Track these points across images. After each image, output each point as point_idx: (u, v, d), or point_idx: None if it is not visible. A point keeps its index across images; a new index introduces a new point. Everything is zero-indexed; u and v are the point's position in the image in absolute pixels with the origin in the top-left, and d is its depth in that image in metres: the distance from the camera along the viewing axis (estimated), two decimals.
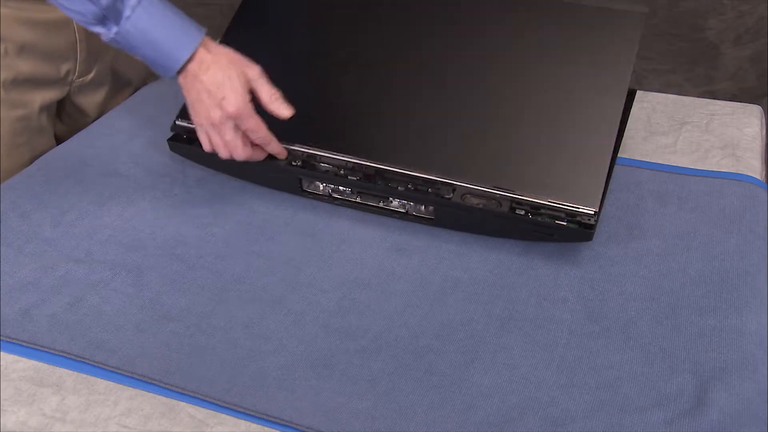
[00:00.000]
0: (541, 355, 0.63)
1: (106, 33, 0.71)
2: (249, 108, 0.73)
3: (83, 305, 0.69)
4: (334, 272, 0.73)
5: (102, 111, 1.02)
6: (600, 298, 0.68)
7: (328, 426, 0.57)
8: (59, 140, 0.96)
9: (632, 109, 0.88)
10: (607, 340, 0.64)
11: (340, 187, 0.80)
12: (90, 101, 1.00)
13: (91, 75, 0.97)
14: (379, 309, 0.68)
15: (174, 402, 0.60)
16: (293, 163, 0.80)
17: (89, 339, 0.66)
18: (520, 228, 0.73)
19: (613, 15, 0.78)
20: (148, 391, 0.61)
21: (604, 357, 0.62)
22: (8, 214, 0.80)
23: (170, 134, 0.85)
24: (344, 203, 0.81)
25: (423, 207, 0.77)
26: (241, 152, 0.75)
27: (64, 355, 0.64)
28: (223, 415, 0.59)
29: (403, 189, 0.76)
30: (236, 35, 0.86)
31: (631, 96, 0.89)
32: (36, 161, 0.90)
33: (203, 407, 0.60)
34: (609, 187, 0.76)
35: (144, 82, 1.09)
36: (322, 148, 0.78)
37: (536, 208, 0.71)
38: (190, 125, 0.80)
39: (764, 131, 0.94)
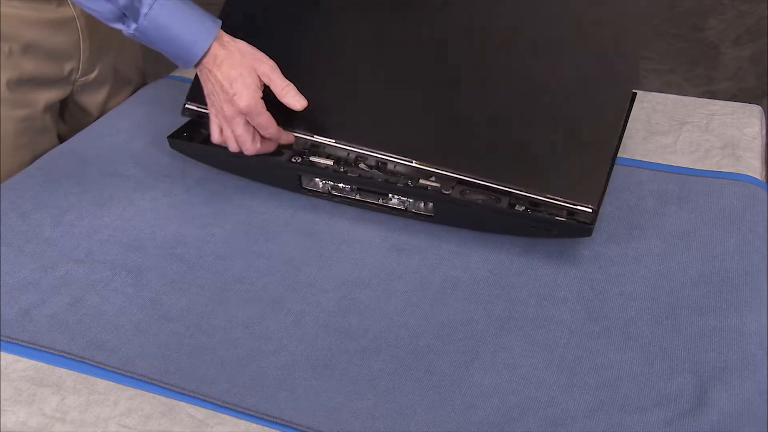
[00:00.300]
0: (541, 355, 0.63)
1: (126, 29, 0.73)
2: (260, 104, 0.74)
3: (83, 305, 0.69)
4: (334, 272, 0.73)
5: (104, 110, 1.02)
6: (600, 298, 0.68)
7: (328, 426, 0.57)
8: (62, 140, 0.96)
9: (632, 109, 0.89)
10: (607, 340, 0.64)
11: (340, 184, 0.79)
12: (92, 100, 1.00)
13: (94, 74, 0.97)
14: (379, 309, 0.68)
15: (174, 402, 0.60)
16: (293, 160, 0.80)
17: (89, 339, 0.66)
18: (519, 224, 0.73)
19: (622, 10, 0.77)
20: (148, 391, 0.61)
21: (604, 357, 0.62)
22: (8, 214, 0.80)
23: (170, 132, 0.85)
24: (343, 201, 0.80)
25: (422, 204, 0.77)
26: (250, 146, 0.77)
27: (64, 355, 0.64)
28: (223, 415, 0.59)
29: (402, 185, 0.76)
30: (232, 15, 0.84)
31: (631, 97, 0.90)
32: (36, 161, 0.90)
33: (203, 407, 0.60)
34: (609, 186, 0.76)
35: (144, 82, 1.09)
36: (323, 137, 0.78)
37: (535, 204, 0.71)
38: (199, 109, 0.82)
39: (764, 131, 0.94)
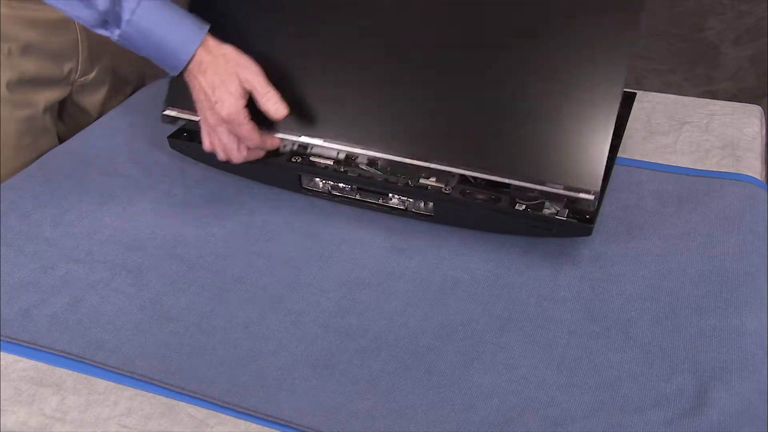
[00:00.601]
0: (541, 355, 0.63)
1: (110, 35, 0.72)
2: (242, 114, 0.72)
3: (83, 305, 0.69)
4: (334, 272, 0.73)
5: (102, 110, 1.02)
6: (600, 298, 0.68)
7: (328, 426, 0.57)
8: (61, 140, 0.96)
9: (632, 109, 0.89)
10: (607, 340, 0.64)
11: (340, 184, 0.79)
12: (91, 100, 1.00)
13: (93, 74, 0.97)
14: (379, 309, 0.68)
15: (174, 402, 0.60)
16: (292, 160, 0.79)
17: (89, 339, 0.66)
18: (519, 223, 0.73)
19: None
20: (148, 391, 0.61)
21: (604, 357, 0.62)
22: (8, 214, 0.80)
23: (170, 133, 0.85)
24: (343, 200, 0.80)
25: (422, 203, 0.77)
26: (236, 155, 0.76)
27: (64, 355, 0.64)
28: (223, 415, 0.59)
29: (402, 185, 0.76)
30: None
31: (631, 98, 0.89)
32: (36, 161, 0.90)
33: (203, 407, 0.60)
34: (609, 186, 0.76)
35: (143, 82, 1.09)
36: (315, 138, 0.77)
37: (535, 198, 0.71)
38: (179, 115, 0.81)
39: (764, 131, 0.94)
